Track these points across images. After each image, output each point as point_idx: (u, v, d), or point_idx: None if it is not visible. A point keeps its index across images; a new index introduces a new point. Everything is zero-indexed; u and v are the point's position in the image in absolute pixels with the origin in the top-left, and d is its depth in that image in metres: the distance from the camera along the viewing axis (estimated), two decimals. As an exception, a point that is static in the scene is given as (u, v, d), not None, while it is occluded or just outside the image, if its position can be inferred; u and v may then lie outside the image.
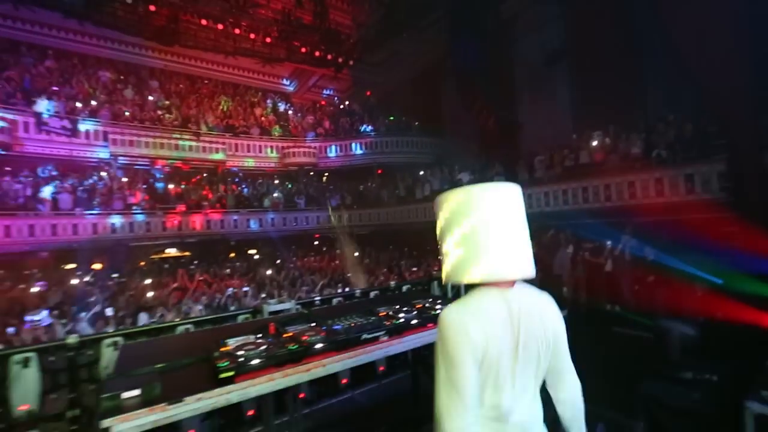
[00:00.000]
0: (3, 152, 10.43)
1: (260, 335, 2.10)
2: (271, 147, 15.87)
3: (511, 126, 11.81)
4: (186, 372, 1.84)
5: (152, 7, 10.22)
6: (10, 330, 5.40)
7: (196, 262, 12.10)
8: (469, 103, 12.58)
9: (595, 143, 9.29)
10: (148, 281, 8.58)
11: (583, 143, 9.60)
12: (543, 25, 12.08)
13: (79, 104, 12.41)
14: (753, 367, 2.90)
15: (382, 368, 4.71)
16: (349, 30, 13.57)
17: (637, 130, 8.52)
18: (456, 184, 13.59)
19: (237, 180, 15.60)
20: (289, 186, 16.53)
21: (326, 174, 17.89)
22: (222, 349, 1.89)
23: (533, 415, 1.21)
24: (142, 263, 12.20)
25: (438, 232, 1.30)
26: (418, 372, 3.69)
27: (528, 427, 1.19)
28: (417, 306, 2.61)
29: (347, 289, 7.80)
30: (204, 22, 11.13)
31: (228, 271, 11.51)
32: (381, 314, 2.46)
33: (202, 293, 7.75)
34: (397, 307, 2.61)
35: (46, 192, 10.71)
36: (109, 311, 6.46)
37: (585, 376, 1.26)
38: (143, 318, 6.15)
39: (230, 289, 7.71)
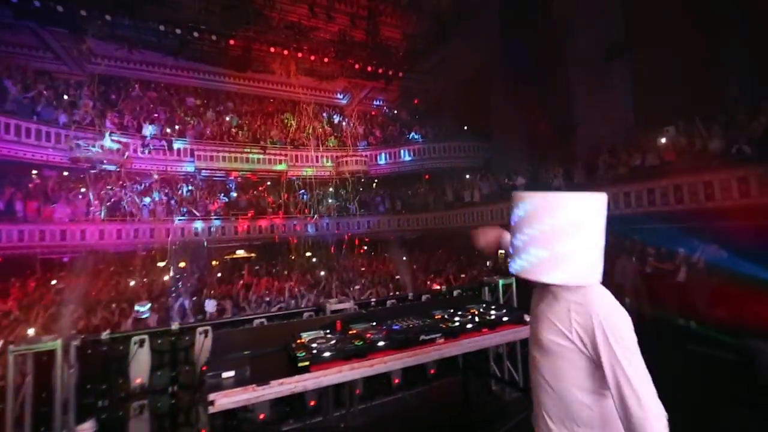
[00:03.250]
0: (118, 169, 12.57)
1: (328, 331, 2.36)
2: (327, 157, 16.85)
3: (567, 126, 11.27)
4: (268, 359, 2.13)
5: (232, 41, 11.62)
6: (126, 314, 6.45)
7: (261, 263, 13.21)
8: (521, 106, 12.23)
9: (663, 140, 8.55)
10: (220, 277, 9.61)
11: (649, 141, 8.88)
12: (599, 18, 11.38)
13: (172, 128, 14.58)
14: None
15: (432, 371, 4.90)
16: (398, 43, 14.04)
17: (713, 123, 7.66)
18: (508, 188, 13.22)
19: (297, 188, 16.81)
20: (342, 192, 17.31)
21: (376, 180, 18.43)
22: (298, 342, 2.18)
23: None
24: (216, 262, 13.61)
25: (536, 231, 1.30)
26: (469, 377, 3.76)
27: None
28: (471, 311, 2.71)
29: (397, 293, 8.02)
30: (272, 49, 12.37)
31: (286, 272, 12.36)
32: (436, 317, 2.59)
33: (267, 290, 8.49)
34: (452, 311, 2.72)
35: (147, 201, 12.80)
36: (187, 303, 7.41)
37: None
38: (209, 305, 6.99)
39: (290, 288, 8.35)
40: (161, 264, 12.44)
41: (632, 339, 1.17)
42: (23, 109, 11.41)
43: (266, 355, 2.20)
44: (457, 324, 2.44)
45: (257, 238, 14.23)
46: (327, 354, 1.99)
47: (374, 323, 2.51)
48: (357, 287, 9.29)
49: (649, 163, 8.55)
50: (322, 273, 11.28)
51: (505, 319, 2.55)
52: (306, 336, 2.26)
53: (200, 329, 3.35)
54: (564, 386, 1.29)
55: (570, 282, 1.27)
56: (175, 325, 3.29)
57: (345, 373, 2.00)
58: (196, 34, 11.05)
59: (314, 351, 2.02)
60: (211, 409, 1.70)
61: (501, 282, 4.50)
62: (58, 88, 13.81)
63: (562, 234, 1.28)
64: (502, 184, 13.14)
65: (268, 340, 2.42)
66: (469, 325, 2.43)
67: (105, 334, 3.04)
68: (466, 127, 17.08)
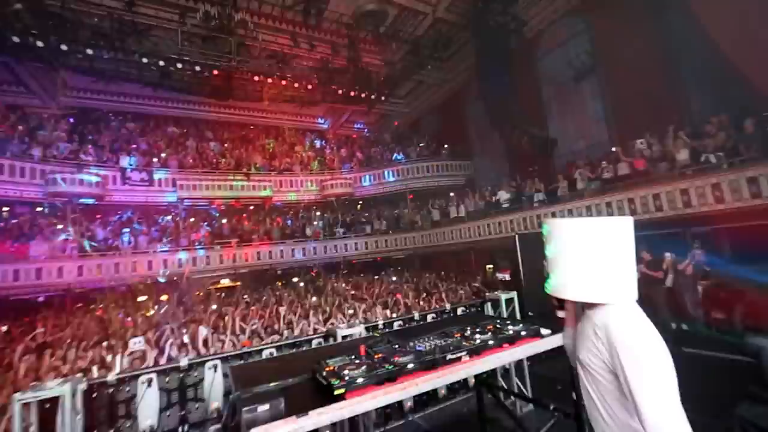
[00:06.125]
0: (96, 202, 12.20)
1: (353, 356, 2.35)
2: (311, 181, 16.93)
3: (546, 142, 11.85)
4: (298, 389, 2.08)
5: (215, 72, 11.74)
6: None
7: (247, 291, 12.82)
8: (500, 125, 12.79)
9: (635, 152, 9.09)
10: (210, 310, 9.23)
11: (622, 153, 9.42)
12: (568, 41, 12.26)
13: (154, 159, 14.44)
14: None
15: (443, 391, 4.84)
16: (378, 68, 14.57)
17: (681, 135, 8.21)
18: (491, 203, 13.59)
19: (282, 213, 16.72)
20: (328, 216, 17.29)
21: (360, 202, 18.53)
22: (327, 369, 2.16)
23: None
24: (199, 293, 13.12)
25: (567, 255, 1.41)
26: (483, 393, 3.75)
27: None
28: (489, 327, 2.75)
29: (394, 315, 7.94)
30: (256, 78, 12.56)
31: (275, 299, 12.02)
32: (456, 335, 2.62)
33: (260, 319, 8.19)
34: (469, 328, 2.76)
35: (127, 234, 12.39)
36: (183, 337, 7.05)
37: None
38: (203, 331, 6.65)
39: (282, 316, 8.11)
40: (143, 298, 11.91)
41: (651, 362, 1.16)
42: (-5, 146, 10.98)
43: (294, 386, 2.16)
44: (478, 341, 2.46)
45: (243, 266, 13.92)
46: (360, 380, 1.97)
47: (396, 345, 2.51)
48: (351, 312, 9.13)
49: (622, 173, 9.04)
50: (314, 299, 11.05)
51: (523, 333, 2.60)
52: (333, 363, 2.23)
53: (209, 364, 3.24)
54: (603, 400, 1.32)
55: (583, 299, 1.37)
56: (183, 361, 3.17)
57: (379, 399, 1.98)
58: (179, 66, 11.09)
59: (347, 378, 2.00)
60: (253, 446, 1.66)
61: (503, 297, 4.58)
62: (30, 122, 13.43)
63: (580, 255, 1.39)
64: (486, 200, 13.49)
65: (291, 370, 2.36)
66: (491, 342, 2.45)
67: (112, 376, 2.90)
68: (446, 146, 17.60)
